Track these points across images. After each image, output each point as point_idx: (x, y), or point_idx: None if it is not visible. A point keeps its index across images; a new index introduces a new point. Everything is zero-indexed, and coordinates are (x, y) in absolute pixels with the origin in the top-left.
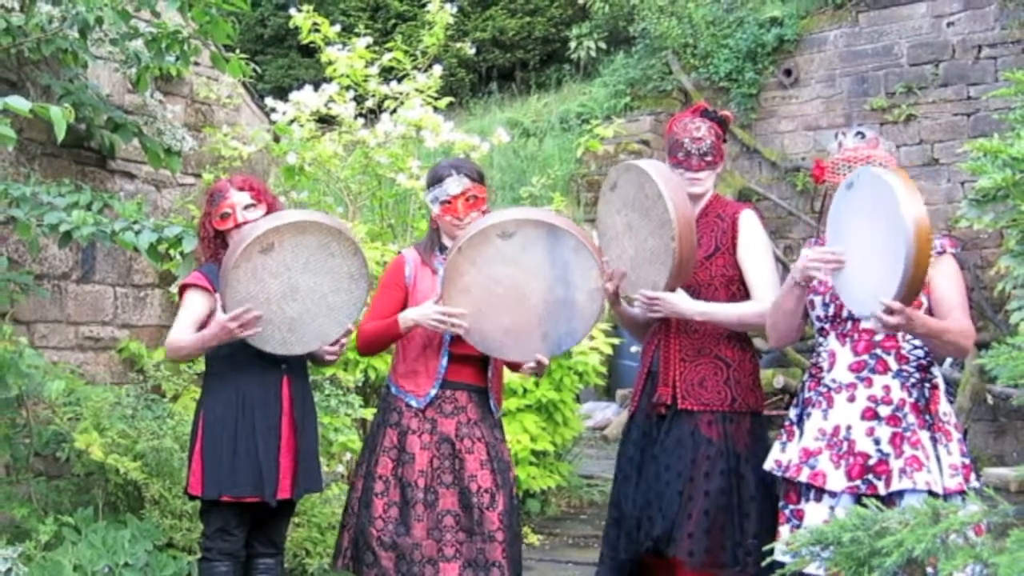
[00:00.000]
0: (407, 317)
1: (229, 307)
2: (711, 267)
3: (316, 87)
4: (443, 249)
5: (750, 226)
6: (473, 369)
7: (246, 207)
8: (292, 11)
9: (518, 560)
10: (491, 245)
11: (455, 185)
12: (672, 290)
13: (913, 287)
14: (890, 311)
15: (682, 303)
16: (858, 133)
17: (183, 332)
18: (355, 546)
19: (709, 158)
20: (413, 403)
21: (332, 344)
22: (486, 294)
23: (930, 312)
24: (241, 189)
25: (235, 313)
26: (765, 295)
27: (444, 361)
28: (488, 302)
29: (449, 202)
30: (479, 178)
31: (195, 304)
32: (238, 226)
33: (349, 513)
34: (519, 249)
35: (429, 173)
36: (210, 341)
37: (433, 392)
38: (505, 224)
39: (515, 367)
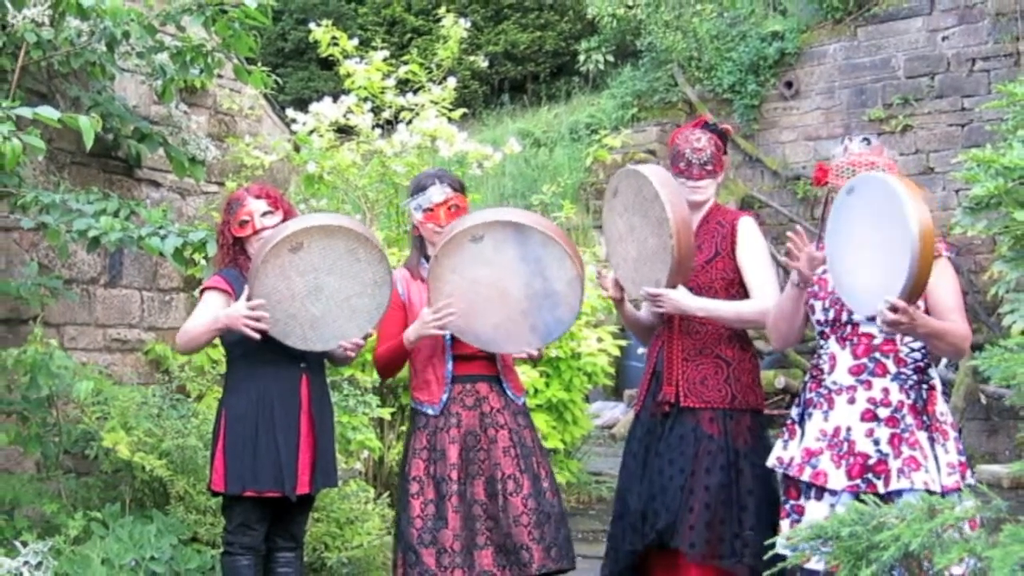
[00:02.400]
0: (408, 333)
1: (254, 299)
2: (712, 271)
3: (335, 99)
4: (429, 259)
5: (748, 231)
6: (481, 363)
7: (263, 214)
8: (312, 25)
9: (558, 540)
10: (465, 250)
11: (438, 194)
12: (673, 287)
13: (917, 287)
14: (894, 309)
15: (684, 299)
16: (864, 139)
17: (193, 322)
18: (403, 552)
19: (709, 167)
20: (430, 411)
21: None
22: (471, 295)
23: (928, 315)
24: (258, 197)
25: (254, 303)
26: (763, 294)
27: (449, 365)
28: (474, 302)
29: (431, 210)
30: (460, 188)
31: (212, 303)
32: (256, 233)
33: (397, 523)
34: (491, 250)
35: (412, 182)
36: (220, 322)
37: (445, 396)
38: (474, 229)
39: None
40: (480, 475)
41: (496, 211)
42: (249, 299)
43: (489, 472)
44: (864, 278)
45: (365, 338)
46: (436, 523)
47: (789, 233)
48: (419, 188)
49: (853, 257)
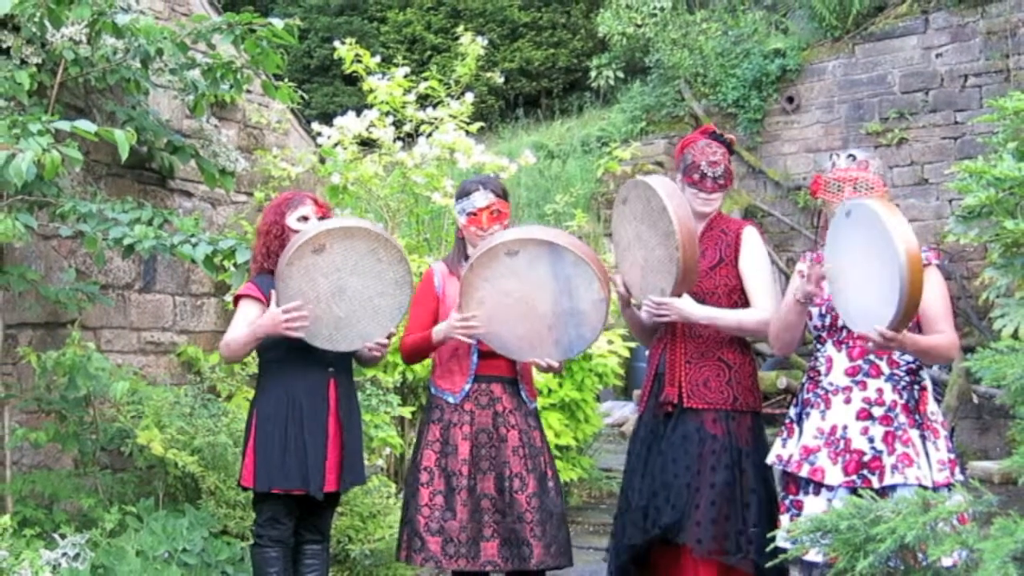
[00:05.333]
0: (438, 331)
1: (282, 302)
2: (715, 277)
3: (358, 113)
4: (468, 259)
5: (751, 241)
6: (503, 362)
7: (320, 220)
8: (336, 43)
9: (558, 538)
10: (499, 262)
11: (482, 199)
12: (678, 295)
13: (908, 315)
14: (883, 336)
15: (688, 307)
16: (850, 155)
17: (234, 332)
18: (408, 536)
19: (722, 181)
20: (451, 399)
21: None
22: (499, 305)
23: (918, 321)
24: (316, 203)
25: (289, 307)
26: (763, 304)
27: (475, 358)
28: (502, 312)
29: (475, 214)
30: (503, 195)
31: (249, 311)
32: None
33: (406, 509)
34: (524, 265)
35: (459, 187)
36: (260, 331)
37: (467, 387)
38: (510, 243)
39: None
40: (491, 471)
41: (533, 229)
42: (278, 304)
43: (498, 469)
44: (858, 299)
45: (389, 337)
46: (444, 514)
47: (803, 261)
48: (464, 193)
49: (848, 278)
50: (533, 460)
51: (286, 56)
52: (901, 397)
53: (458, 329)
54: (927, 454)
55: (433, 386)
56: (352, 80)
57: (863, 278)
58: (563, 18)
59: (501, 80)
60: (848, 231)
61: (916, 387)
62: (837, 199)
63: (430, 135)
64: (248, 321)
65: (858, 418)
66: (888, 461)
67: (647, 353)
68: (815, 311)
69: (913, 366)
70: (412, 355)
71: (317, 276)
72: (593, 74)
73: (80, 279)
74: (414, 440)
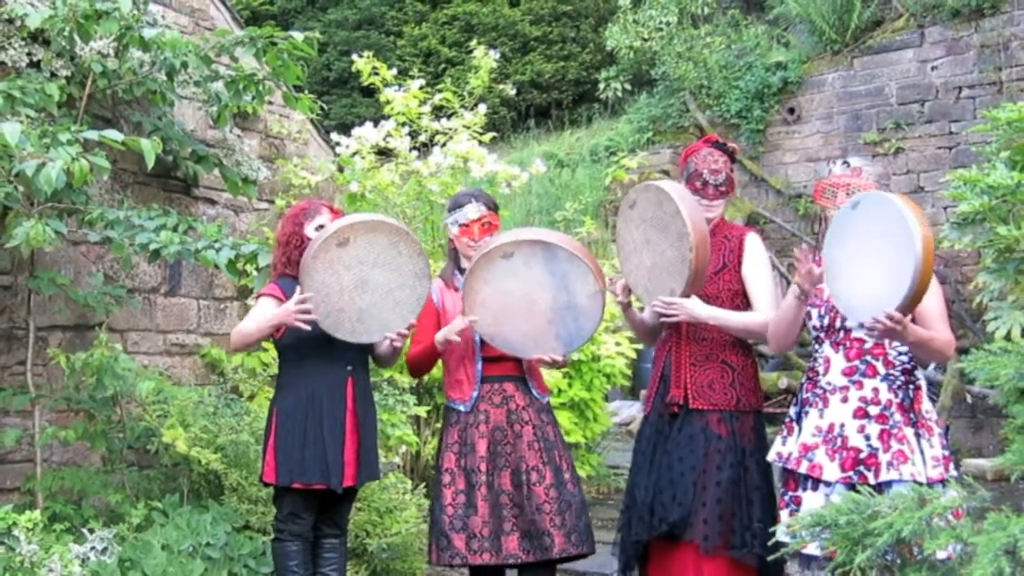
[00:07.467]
0: (439, 336)
1: (305, 293)
2: (719, 282)
3: (375, 123)
4: (462, 271)
5: (754, 247)
6: (508, 364)
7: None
8: (354, 56)
9: (579, 527)
10: (497, 265)
11: (474, 211)
12: (687, 296)
13: (915, 301)
14: (890, 318)
15: (697, 308)
16: (845, 163)
17: (246, 322)
18: (435, 537)
19: (724, 188)
20: (461, 408)
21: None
22: (501, 306)
23: (914, 323)
24: (331, 211)
25: (301, 298)
26: (766, 307)
27: (479, 365)
28: (504, 312)
29: (467, 225)
30: (494, 208)
31: (266, 307)
32: None
33: (432, 513)
34: (521, 266)
35: (451, 200)
36: (273, 320)
37: (475, 394)
38: (505, 246)
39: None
40: (507, 467)
41: (526, 231)
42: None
43: (515, 464)
44: (863, 288)
45: (409, 328)
46: (466, 511)
47: (796, 251)
48: (457, 205)
49: (852, 267)
50: (548, 453)
51: (306, 68)
52: (896, 396)
53: (459, 327)
54: (922, 451)
55: (446, 398)
56: (369, 92)
57: (869, 267)
58: (572, 32)
59: (513, 92)
60: (854, 223)
61: (911, 386)
62: (832, 204)
63: (444, 145)
64: (263, 316)
65: (855, 416)
66: (884, 458)
67: (653, 355)
68: (814, 312)
69: (908, 366)
70: (417, 364)
71: (340, 269)
72: (601, 86)
73: (108, 283)
74: (430, 439)
